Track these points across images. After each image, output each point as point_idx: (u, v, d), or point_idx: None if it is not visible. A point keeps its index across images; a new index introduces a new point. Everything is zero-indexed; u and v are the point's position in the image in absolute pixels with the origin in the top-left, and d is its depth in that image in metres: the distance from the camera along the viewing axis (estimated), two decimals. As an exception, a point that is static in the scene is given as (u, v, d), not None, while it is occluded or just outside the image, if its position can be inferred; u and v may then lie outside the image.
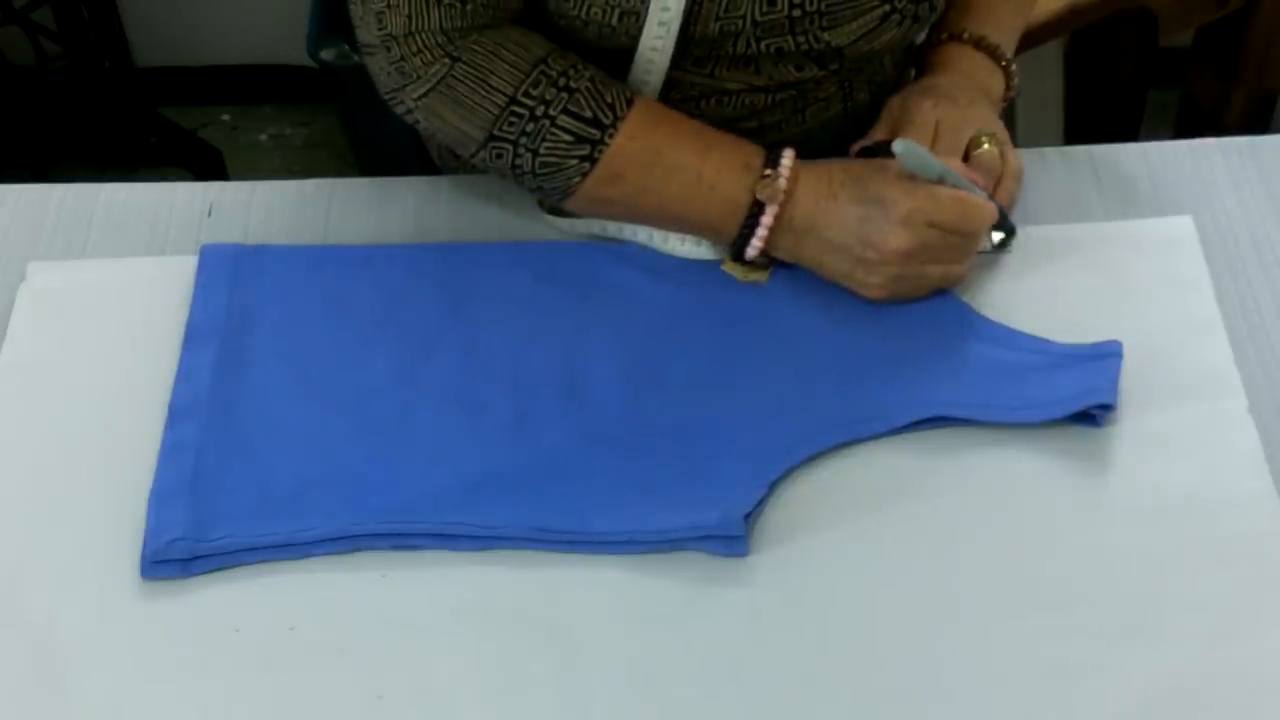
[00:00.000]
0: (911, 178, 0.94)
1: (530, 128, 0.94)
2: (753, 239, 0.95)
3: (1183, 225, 1.03)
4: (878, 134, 1.04)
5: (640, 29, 0.96)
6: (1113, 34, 1.64)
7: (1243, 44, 1.65)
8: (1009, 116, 1.35)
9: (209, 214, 1.06)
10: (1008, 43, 1.09)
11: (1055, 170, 1.08)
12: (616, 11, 0.95)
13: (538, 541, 0.86)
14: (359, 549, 0.87)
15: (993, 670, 0.81)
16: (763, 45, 0.99)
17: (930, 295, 0.97)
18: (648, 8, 0.95)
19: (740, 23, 0.97)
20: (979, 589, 0.85)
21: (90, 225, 1.05)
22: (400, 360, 0.95)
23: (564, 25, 0.97)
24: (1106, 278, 1.00)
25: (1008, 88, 1.08)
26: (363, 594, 0.85)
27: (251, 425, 0.92)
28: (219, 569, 0.86)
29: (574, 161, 0.95)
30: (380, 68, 0.96)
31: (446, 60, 0.94)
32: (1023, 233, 1.02)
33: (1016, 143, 1.05)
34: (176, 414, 0.92)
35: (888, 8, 0.98)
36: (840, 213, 0.94)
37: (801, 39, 0.98)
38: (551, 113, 0.94)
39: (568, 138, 0.94)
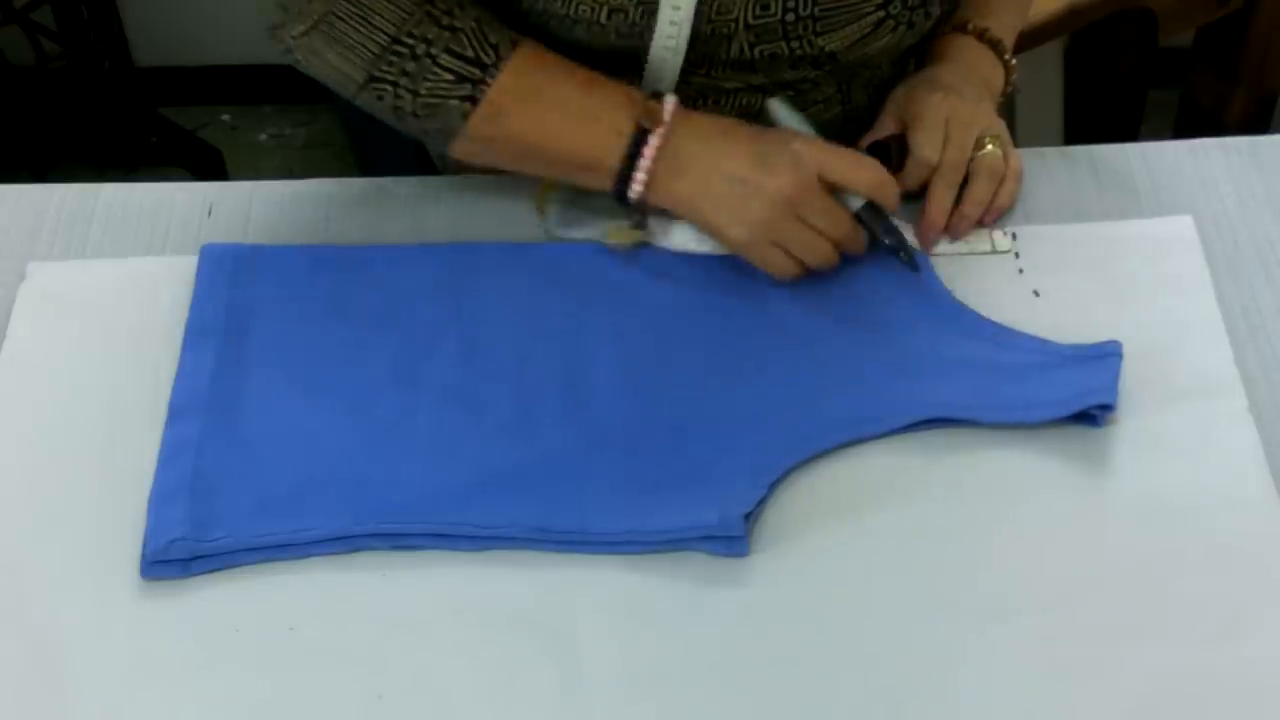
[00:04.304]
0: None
1: (411, 67, 0.93)
2: (635, 172, 0.94)
3: (1183, 225, 1.03)
4: (886, 127, 1.04)
5: (630, 28, 0.96)
6: (1113, 34, 1.64)
7: (1243, 44, 1.65)
8: (1009, 116, 1.36)
9: (209, 214, 1.06)
10: (1008, 39, 1.09)
11: (1055, 170, 1.08)
12: (604, 9, 0.95)
13: (537, 541, 0.86)
14: (359, 549, 0.87)
15: (992, 670, 0.81)
16: (756, 51, 0.98)
17: (796, 276, 0.97)
18: (650, 7, 0.94)
19: (732, 25, 0.97)
20: (979, 589, 0.85)
21: (90, 225, 1.05)
22: (400, 360, 0.95)
23: (553, 27, 0.97)
24: (1106, 278, 1.00)
25: (1006, 83, 1.08)
26: (362, 594, 0.85)
27: (251, 425, 0.92)
28: (219, 569, 0.86)
29: (455, 101, 0.94)
30: (266, 4, 0.95)
31: None
32: (1023, 233, 1.03)
33: (1016, 143, 1.06)
34: (176, 414, 0.92)
35: (882, 14, 0.98)
36: (732, 147, 0.94)
37: (795, 44, 0.98)
38: (433, 52, 0.93)
39: (449, 77, 0.93)
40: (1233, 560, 0.85)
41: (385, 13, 0.93)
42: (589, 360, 0.95)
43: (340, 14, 0.93)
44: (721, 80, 1.02)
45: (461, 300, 0.99)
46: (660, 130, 0.94)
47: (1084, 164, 1.08)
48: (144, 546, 0.86)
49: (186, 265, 1.01)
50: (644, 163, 0.94)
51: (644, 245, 1.01)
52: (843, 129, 1.09)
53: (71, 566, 0.86)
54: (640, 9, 0.95)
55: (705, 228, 0.97)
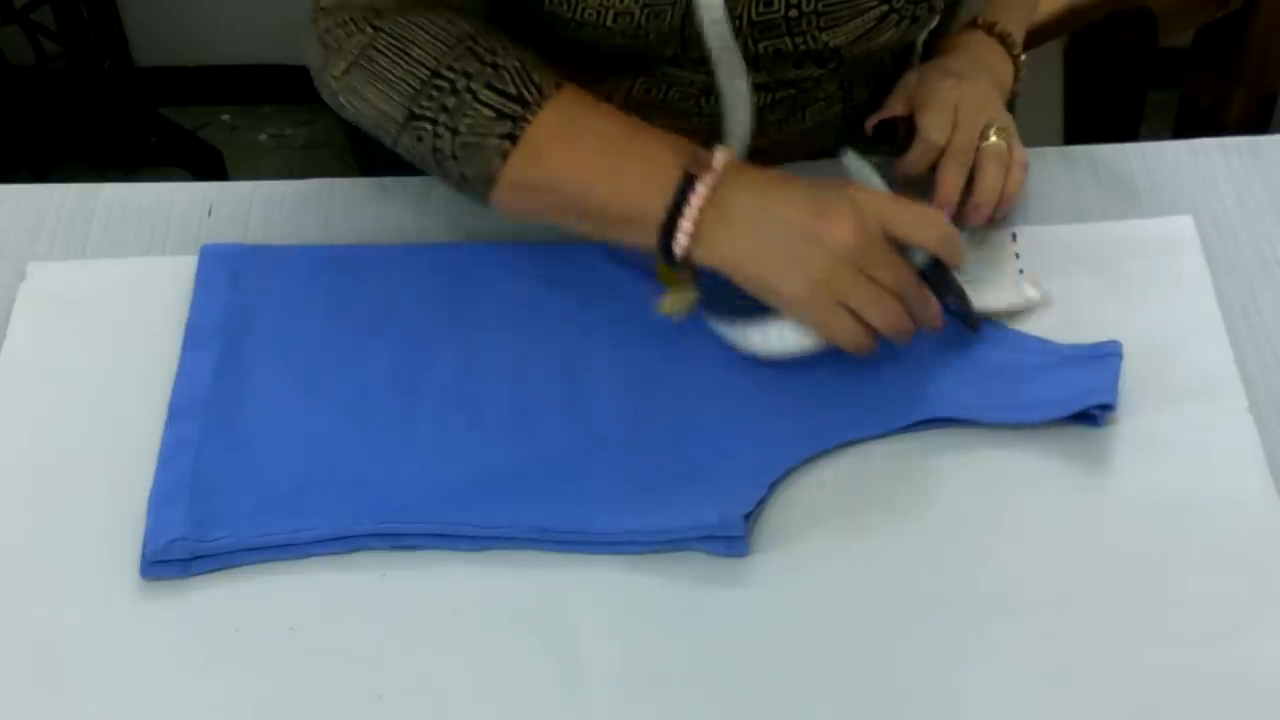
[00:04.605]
0: None
1: (451, 103, 0.90)
2: (681, 220, 0.87)
3: (1183, 225, 1.03)
4: (895, 107, 1.04)
5: (635, 30, 0.95)
6: (1113, 34, 1.64)
7: (1243, 44, 1.65)
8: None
9: (209, 214, 1.06)
10: (1017, 34, 1.09)
11: (1055, 170, 1.08)
12: (610, 13, 0.95)
13: (537, 541, 0.86)
14: (358, 549, 0.87)
15: (993, 670, 0.81)
16: (760, 47, 0.98)
17: (868, 348, 0.89)
18: (655, 10, 0.94)
19: (736, 23, 0.96)
20: (979, 589, 0.85)
21: (90, 225, 1.05)
22: (400, 360, 0.95)
23: (559, 29, 0.97)
24: (1106, 278, 1.00)
25: (1015, 79, 1.08)
26: (362, 594, 0.85)
27: (252, 425, 0.92)
28: (219, 569, 0.86)
29: (495, 140, 0.90)
30: (310, 46, 0.95)
31: (369, 30, 0.92)
32: (1023, 233, 1.02)
33: (1016, 143, 1.06)
34: (176, 414, 0.92)
35: (885, 8, 0.98)
36: (788, 193, 0.88)
37: (799, 39, 0.98)
38: (474, 86, 0.90)
39: (489, 114, 0.90)
40: (1233, 560, 0.85)
41: (425, 45, 0.91)
42: (589, 360, 0.95)
43: (380, 47, 0.92)
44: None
45: (461, 301, 0.99)
46: (708, 178, 0.87)
47: (1084, 164, 1.08)
48: (144, 546, 0.86)
49: (186, 265, 1.01)
50: (690, 211, 0.87)
51: (696, 309, 0.95)
52: (844, 126, 1.09)
53: (71, 566, 0.86)
54: (645, 12, 0.95)
55: (756, 286, 0.88)
